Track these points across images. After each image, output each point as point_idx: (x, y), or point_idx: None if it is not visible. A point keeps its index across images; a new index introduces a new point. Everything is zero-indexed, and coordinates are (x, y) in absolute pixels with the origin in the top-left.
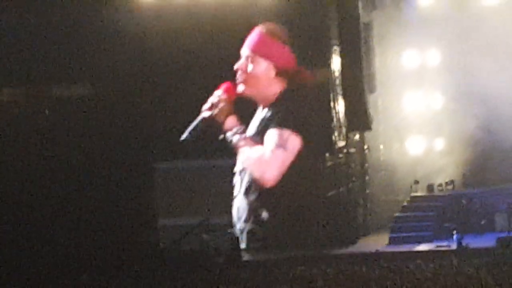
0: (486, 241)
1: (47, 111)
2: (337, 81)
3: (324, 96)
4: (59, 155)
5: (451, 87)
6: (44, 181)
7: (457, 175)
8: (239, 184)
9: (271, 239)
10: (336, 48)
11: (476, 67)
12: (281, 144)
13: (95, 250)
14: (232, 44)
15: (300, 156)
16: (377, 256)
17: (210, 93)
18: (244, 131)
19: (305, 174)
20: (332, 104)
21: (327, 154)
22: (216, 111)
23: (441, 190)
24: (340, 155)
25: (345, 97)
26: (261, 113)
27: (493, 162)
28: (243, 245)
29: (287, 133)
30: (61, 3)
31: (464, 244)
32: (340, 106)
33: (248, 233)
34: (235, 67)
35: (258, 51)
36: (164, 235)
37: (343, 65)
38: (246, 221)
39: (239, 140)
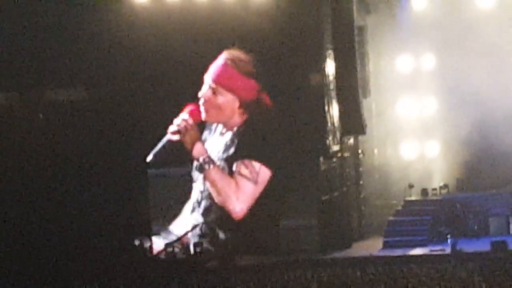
0: (480, 245)
1: (41, 115)
2: (331, 86)
3: (318, 101)
4: (52, 158)
5: (445, 92)
6: (37, 184)
7: (451, 179)
8: (197, 201)
9: (224, 258)
10: (330, 52)
11: (470, 71)
12: (252, 178)
13: (87, 255)
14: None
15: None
16: (371, 260)
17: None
18: (211, 160)
19: (265, 201)
20: (326, 108)
21: (321, 158)
22: (183, 137)
23: (435, 194)
24: (334, 160)
25: (339, 101)
26: (224, 135)
27: (487, 167)
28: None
29: (257, 166)
30: (55, 8)
31: (458, 248)
32: (334, 111)
33: (201, 249)
34: (199, 95)
35: (222, 84)
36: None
37: (337, 69)
38: (200, 237)
39: (208, 169)
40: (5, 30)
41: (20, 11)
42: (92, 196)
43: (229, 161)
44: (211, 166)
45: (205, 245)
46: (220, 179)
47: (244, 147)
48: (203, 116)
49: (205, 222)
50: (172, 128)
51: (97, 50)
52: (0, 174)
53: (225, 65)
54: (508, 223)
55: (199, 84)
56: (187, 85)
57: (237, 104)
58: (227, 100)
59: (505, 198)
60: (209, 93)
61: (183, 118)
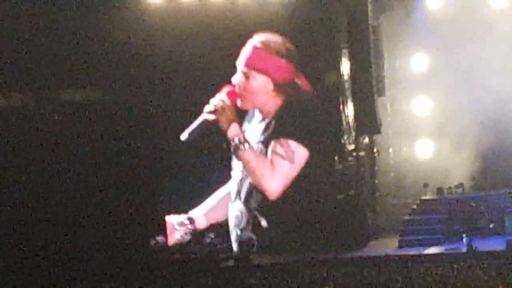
0: (495, 244)
1: (56, 116)
2: (347, 85)
3: (334, 100)
4: (68, 158)
5: (459, 90)
6: (51, 184)
7: (466, 178)
8: (237, 191)
9: (268, 248)
10: (345, 52)
11: (485, 69)
12: (288, 157)
13: (102, 253)
14: (241, 49)
15: (306, 166)
16: (387, 259)
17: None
18: (246, 141)
19: (307, 185)
20: (341, 107)
21: (336, 158)
22: (219, 117)
23: (451, 193)
24: (350, 159)
25: (354, 100)
26: (261, 123)
27: (502, 165)
28: (235, 252)
29: (294, 145)
30: (70, 7)
31: (473, 247)
32: (349, 110)
33: (244, 241)
34: (233, 81)
35: (253, 66)
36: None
37: (352, 68)
38: (243, 229)
39: (243, 150)
40: (18, 31)
41: (35, 11)
42: (106, 195)
43: (265, 142)
44: (246, 146)
45: (247, 235)
46: (255, 158)
47: (280, 127)
48: (239, 103)
49: (247, 210)
50: (208, 107)
51: (112, 51)
52: (15, 174)
53: (254, 47)
54: None
55: (216, 85)
56: (202, 86)
57: (270, 86)
58: (260, 83)
59: None
60: (242, 78)
61: (220, 98)
